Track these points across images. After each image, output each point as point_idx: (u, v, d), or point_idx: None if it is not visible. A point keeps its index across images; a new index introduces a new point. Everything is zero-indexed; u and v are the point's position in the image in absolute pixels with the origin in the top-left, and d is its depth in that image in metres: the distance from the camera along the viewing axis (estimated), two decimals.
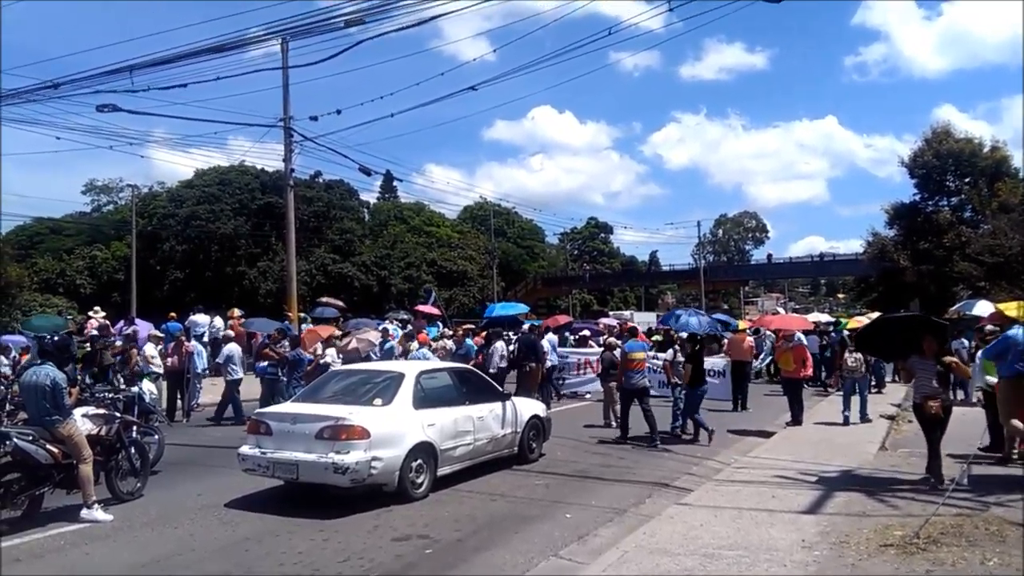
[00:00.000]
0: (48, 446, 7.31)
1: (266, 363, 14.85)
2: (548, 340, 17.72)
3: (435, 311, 26.71)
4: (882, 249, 43.17)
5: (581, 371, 17.17)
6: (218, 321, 21.14)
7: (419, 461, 8.39)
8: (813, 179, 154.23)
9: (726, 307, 72.06)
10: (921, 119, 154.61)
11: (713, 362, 16.56)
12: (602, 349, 16.29)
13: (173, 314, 18.11)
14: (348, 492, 7.94)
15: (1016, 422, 8.25)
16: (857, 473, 9.23)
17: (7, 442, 7.09)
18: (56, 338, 8.68)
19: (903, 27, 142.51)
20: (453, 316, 44.33)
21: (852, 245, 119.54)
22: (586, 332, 20.11)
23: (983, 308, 10.86)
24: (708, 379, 15.44)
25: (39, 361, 7.84)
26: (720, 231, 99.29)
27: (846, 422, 13.37)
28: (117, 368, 13.57)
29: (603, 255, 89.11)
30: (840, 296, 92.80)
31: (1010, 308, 9.60)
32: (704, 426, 12.41)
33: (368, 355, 14.96)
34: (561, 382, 17.96)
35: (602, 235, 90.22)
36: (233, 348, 15.25)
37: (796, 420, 13.56)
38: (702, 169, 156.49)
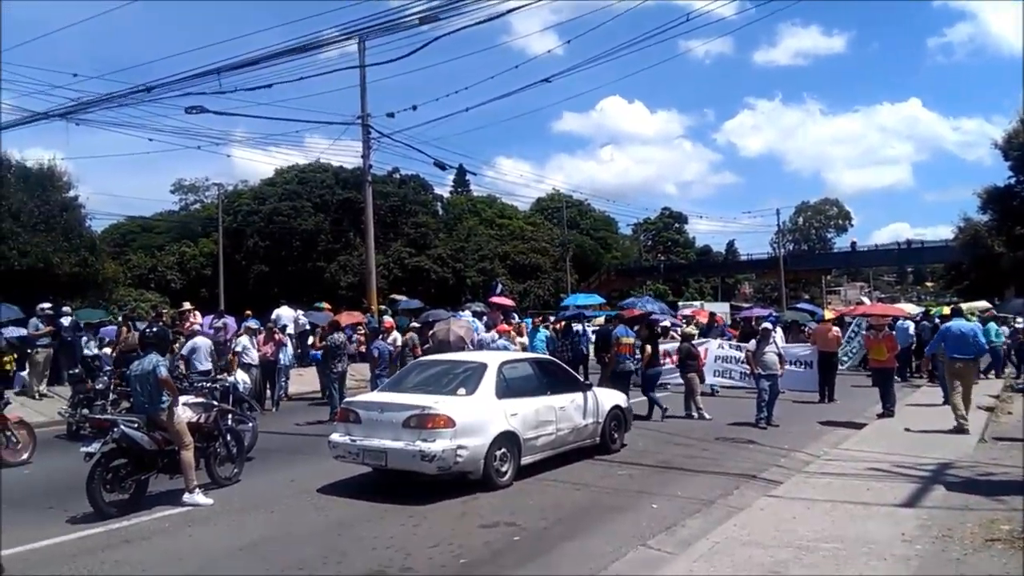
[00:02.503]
0: (152, 433, 7.68)
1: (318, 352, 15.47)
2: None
3: (508, 302, 26.86)
4: (975, 235, 41.14)
5: (661, 363, 16.93)
6: (302, 315, 21.72)
7: (503, 450, 8.47)
8: (897, 164, 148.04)
9: (807, 297, 70.09)
10: (1011, 100, 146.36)
11: (800, 352, 16.13)
12: (680, 340, 16.10)
13: (249, 311, 18.73)
14: (435, 479, 8.08)
15: None
16: (956, 466, 8.84)
17: (115, 429, 7.48)
18: (156, 328, 9.13)
19: (989, 5, 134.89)
20: (528, 308, 44.52)
21: (940, 232, 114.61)
22: (666, 323, 19.84)
23: None
24: (792, 367, 15.17)
25: (143, 352, 8.22)
26: (800, 219, 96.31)
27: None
28: (216, 360, 14.13)
29: (677, 245, 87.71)
30: (928, 285, 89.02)
31: None
32: (658, 404, 13.27)
33: (460, 347, 15.15)
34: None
35: (676, 225, 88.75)
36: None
37: (888, 411, 13.07)
38: (778, 156, 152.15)
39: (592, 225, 78.17)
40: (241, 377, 11.64)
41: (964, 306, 23.33)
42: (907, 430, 11.62)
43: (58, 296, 24.56)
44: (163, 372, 7.77)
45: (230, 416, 9.34)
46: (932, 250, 59.81)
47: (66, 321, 16.14)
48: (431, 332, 16.18)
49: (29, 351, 15.25)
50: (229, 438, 8.89)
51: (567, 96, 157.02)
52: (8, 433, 10.11)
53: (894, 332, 15.78)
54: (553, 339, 18.91)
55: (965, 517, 6.52)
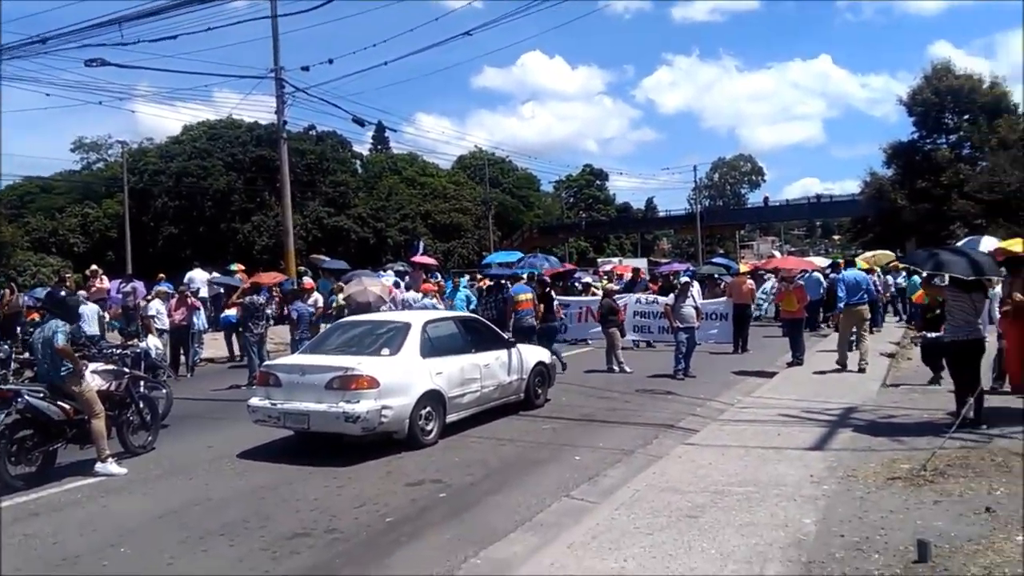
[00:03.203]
0: (59, 402, 7.34)
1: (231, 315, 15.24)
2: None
3: (431, 260, 26.68)
4: (879, 189, 43.06)
5: (583, 319, 17.21)
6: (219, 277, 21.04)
7: (428, 409, 8.47)
8: (808, 120, 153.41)
9: (722, 251, 72.14)
10: (916, 57, 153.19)
11: (715, 306, 16.63)
12: (601, 296, 16.37)
13: (162, 275, 18.05)
14: (359, 440, 8.04)
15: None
16: (861, 410, 9.34)
17: (19, 399, 7.12)
18: (58, 293, 8.67)
19: None
20: (452, 268, 44.37)
21: (848, 186, 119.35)
22: (588, 280, 20.13)
23: (988, 244, 10.87)
24: (711, 321, 15.70)
25: (43, 319, 7.82)
26: (716, 175, 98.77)
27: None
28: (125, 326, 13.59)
29: (599, 202, 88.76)
30: (836, 238, 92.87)
31: (1014, 244, 9.60)
32: (559, 356, 13.40)
33: (378, 307, 14.95)
34: (564, 330, 18.00)
35: (597, 182, 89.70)
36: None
37: (797, 360, 13.67)
38: (696, 113, 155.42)
39: (514, 183, 78.16)
40: (153, 342, 11.24)
41: (870, 255, 24.55)
42: (817, 373, 12.20)
43: None
44: (60, 340, 7.37)
45: (142, 383, 9.02)
46: (840, 204, 62.27)
47: None
48: (347, 295, 15.90)
49: None
50: (142, 405, 8.58)
51: (488, 51, 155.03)
52: None
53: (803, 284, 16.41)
54: (472, 298, 18.93)
55: (868, 458, 6.90)
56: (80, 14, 52.97)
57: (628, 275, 25.03)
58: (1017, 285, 9.46)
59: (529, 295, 13.90)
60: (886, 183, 43.01)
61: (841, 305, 13.04)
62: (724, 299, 17.15)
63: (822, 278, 19.73)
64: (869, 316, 13.80)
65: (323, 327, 12.46)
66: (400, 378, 8.30)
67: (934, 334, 11.07)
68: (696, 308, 13.67)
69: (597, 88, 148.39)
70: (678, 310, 13.35)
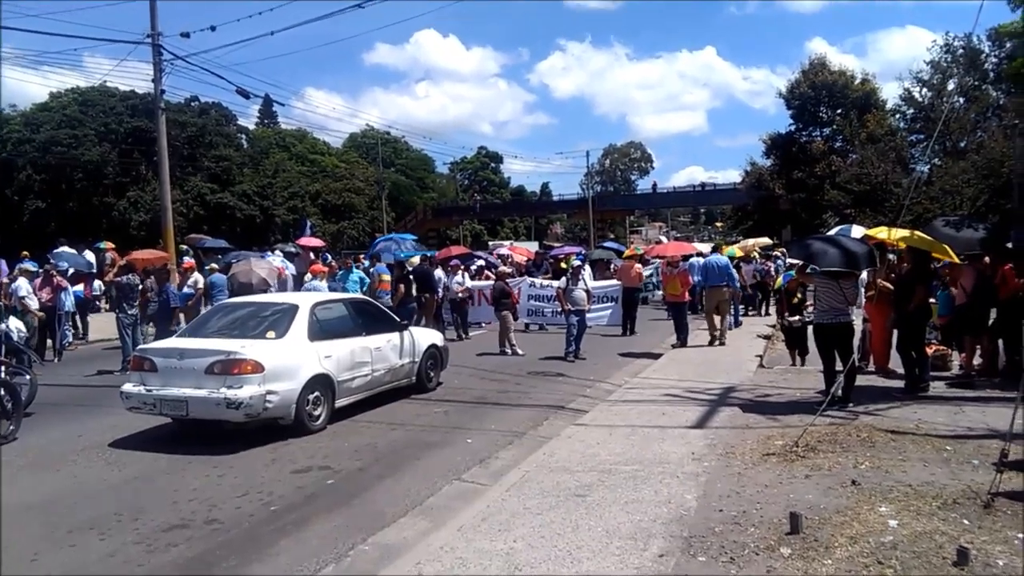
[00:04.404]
0: None
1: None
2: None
3: (318, 242, 26.01)
4: (759, 178, 45.13)
5: (476, 303, 17.22)
6: (88, 255, 19.75)
7: (316, 393, 8.26)
8: (694, 110, 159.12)
9: (612, 236, 73.94)
10: (795, 52, 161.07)
11: (606, 288, 16.99)
12: (494, 280, 16.43)
13: (26, 252, 16.80)
14: (242, 427, 7.75)
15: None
16: (739, 389, 9.79)
17: None
18: None
19: None
20: (343, 249, 43.43)
21: (730, 175, 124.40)
22: (482, 263, 20.15)
23: (857, 232, 11.64)
24: (600, 303, 16.06)
25: None
26: (607, 161, 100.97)
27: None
28: None
29: (493, 185, 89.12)
30: (719, 224, 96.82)
31: (879, 232, 10.29)
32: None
33: (263, 289, 14.44)
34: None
35: (492, 165, 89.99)
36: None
37: (682, 341, 14.18)
38: (588, 99, 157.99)
39: (408, 163, 77.28)
40: (15, 325, 10.44)
41: (750, 242, 25.72)
42: (699, 354, 12.69)
43: None
44: None
45: (3, 368, 8.37)
46: (723, 192, 64.88)
47: None
48: (230, 274, 15.31)
49: None
50: (3, 392, 7.98)
51: (380, 25, 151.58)
52: None
53: (687, 268, 17.04)
54: (367, 280, 18.58)
55: (746, 435, 7.24)
56: None
57: (523, 257, 25.26)
58: (880, 271, 10.16)
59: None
60: (765, 173, 45.12)
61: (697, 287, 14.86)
62: (615, 282, 17.56)
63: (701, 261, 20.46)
64: (728, 297, 15.00)
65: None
66: (286, 362, 8.05)
67: (797, 318, 11.81)
68: (587, 291, 13.95)
69: (492, 70, 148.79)
70: (570, 293, 13.56)
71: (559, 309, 14.48)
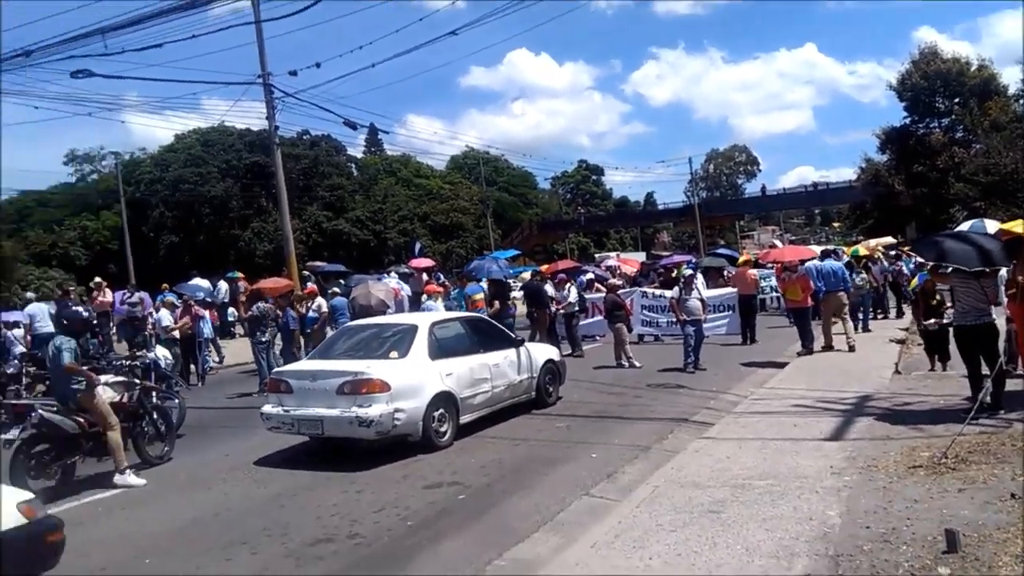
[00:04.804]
0: (74, 416, 7.32)
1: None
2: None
3: (428, 262, 26.67)
4: (875, 174, 42.95)
5: (590, 315, 17.18)
6: (222, 285, 21.05)
7: (441, 410, 8.45)
8: (799, 109, 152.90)
9: (722, 242, 72.08)
10: (902, 44, 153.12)
11: (722, 296, 16.59)
12: (605, 292, 16.34)
13: (166, 285, 18.02)
14: (374, 444, 8.02)
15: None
16: (875, 398, 9.31)
17: (33, 414, 7.11)
18: (70, 311, 8.67)
19: None
20: (453, 268, 44.32)
21: (843, 173, 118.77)
22: (591, 276, 20.09)
23: (992, 227, 10.82)
24: (717, 312, 15.70)
25: (57, 332, 7.82)
26: (711, 166, 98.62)
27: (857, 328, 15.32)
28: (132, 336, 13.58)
29: (596, 197, 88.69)
30: (836, 225, 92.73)
31: (1015, 225, 9.53)
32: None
33: (382, 311, 14.94)
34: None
35: (593, 177, 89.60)
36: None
37: (807, 349, 13.64)
38: (686, 104, 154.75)
39: (510, 181, 78.06)
40: (162, 353, 11.20)
41: (873, 242, 24.52)
42: (827, 362, 12.16)
43: None
44: (65, 359, 7.37)
45: (154, 394, 9.00)
46: (837, 191, 62.10)
47: None
48: (351, 297, 15.89)
49: None
50: (156, 416, 8.58)
51: (473, 50, 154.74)
52: None
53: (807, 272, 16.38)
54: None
55: (888, 447, 6.87)
56: (64, 25, 52.83)
57: (633, 269, 25.04)
58: (1020, 267, 9.43)
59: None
60: (881, 168, 42.93)
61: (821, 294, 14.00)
62: (730, 290, 17.12)
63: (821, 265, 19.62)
64: (847, 301, 14.41)
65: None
66: (411, 380, 8.28)
67: (933, 321, 11.08)
68: (702, 300, 13.66)
69: (585, 83, 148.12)
70: (684, 303, 13.32)
71: (674, 319, 14.25)
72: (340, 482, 7.27)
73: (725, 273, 21.05)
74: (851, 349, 13.40)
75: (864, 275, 17.72)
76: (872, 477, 6.02)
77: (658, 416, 9.49)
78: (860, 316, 17.27)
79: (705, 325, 13.73)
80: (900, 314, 19.34)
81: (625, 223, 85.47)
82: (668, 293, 15.40)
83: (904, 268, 20.02)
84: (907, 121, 43.21)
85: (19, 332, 14.49)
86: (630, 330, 15.10)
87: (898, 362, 12.20)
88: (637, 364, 13.68)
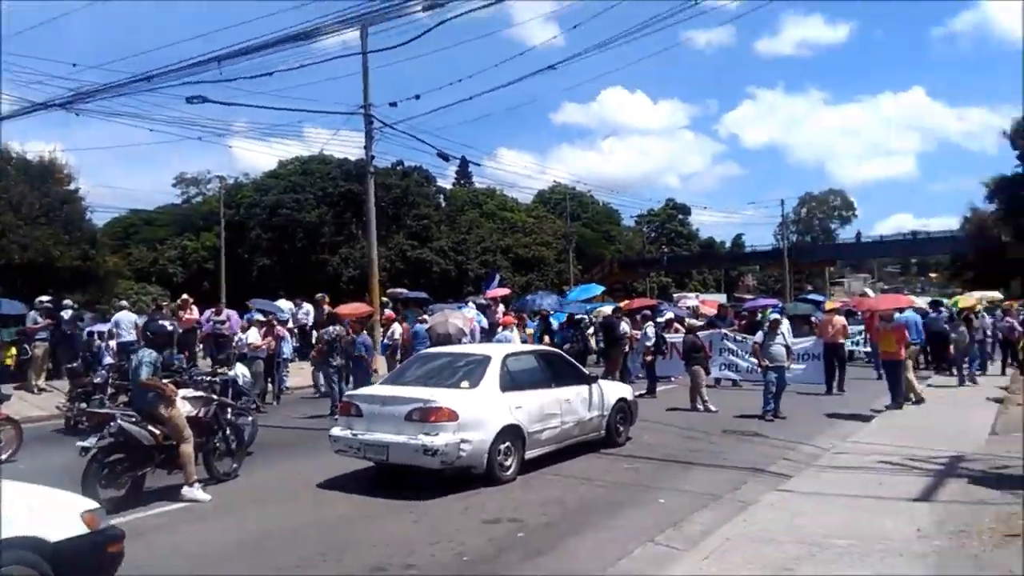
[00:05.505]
0: (150, 427, 7.52)
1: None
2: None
3: (504, 291, 26.72)
4: (981, 225, 40.96)
5: (668, 355, 16.76)
6: (307, 307, 21.62)
7: (507, 444, 8.31)
8: (901, 155, 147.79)
9: (810, 288, 69.74)
10: (1016, 90, 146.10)
11: (805, 344, 15.94)
12: (684, 332, 15.94)
13: (251, 304, 18.58)
14: (437, 474, 7.93)
15: None
16: (969, 459, 8.66)
17: (112, 423, 7.34)
18: (156, 324, 8.98)
19: None
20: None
21: (943, 222, 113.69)
22: (671, 315, 19.64)
23: None
24: (800, 361, 15.10)
25: (142, 344, 8.09)
26: (804, 210, 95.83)
27: (961, 383, 15.91)
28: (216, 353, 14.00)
29: (681, 237, 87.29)
30: (933, 276, 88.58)
31: None
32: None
33: (459, 339, 15.00)
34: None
35: (680, 216, 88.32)
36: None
37: (897, 404, 12.89)
38: (781, 147, 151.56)
39: (594, 217, 77.85)
40: (241, 371, 11.48)
41: (977, 295, 23.30)
42: (919, 419, 11.45)
43: (60, 290, 24.38)
44: (143, 374, 7.56)
45: (230, 410, 9.18)
46: (937, 241, 59.41)
47: (66, 314, 16.00)
48: (428, 326, 16.03)
49: (27, 345, 15.13)
50: (228, 432, 8.72)
51: (569, 85, 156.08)
52: None
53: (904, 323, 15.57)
54: (561, 331, 18.84)
55: (982, 512, 6.35)
56: (182, 53, 56.14)
57: (713, 310, 24.44)
58: None
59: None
60: (988, 219, 40.87)
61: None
62: (814, 338, 16.44)
63: (919, 317, 18.73)
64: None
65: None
66: (479, 412, 8.19)
67: None
68: (787, 347, 13.11)
69: (679, 123, 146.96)
70: (767, 348, 12.83)
71: (755, 365, 13.73)
72: (400, 511, 7.20)
73: (812, 319, 20.28)
74: (917, 402, 13.33)
75: (963, 328, 16.76)
76: (963, 543, 5.56)
77: (732, 464, 9.08)
78: (955, 371, 16.45)
79: (787, 373, 13.15)
80: (1003, 372, 18.18)
81: (709, 264, 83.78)
82: (752, 338, 14.89)
83: (1016, 324, 18.86)
84: (1019, 170, 41.06)
85: (112, 343, 15.17)
86: (707, 373, 14.63)
87: (995, 422, 11.37)
88: (713, 408, 13.21)
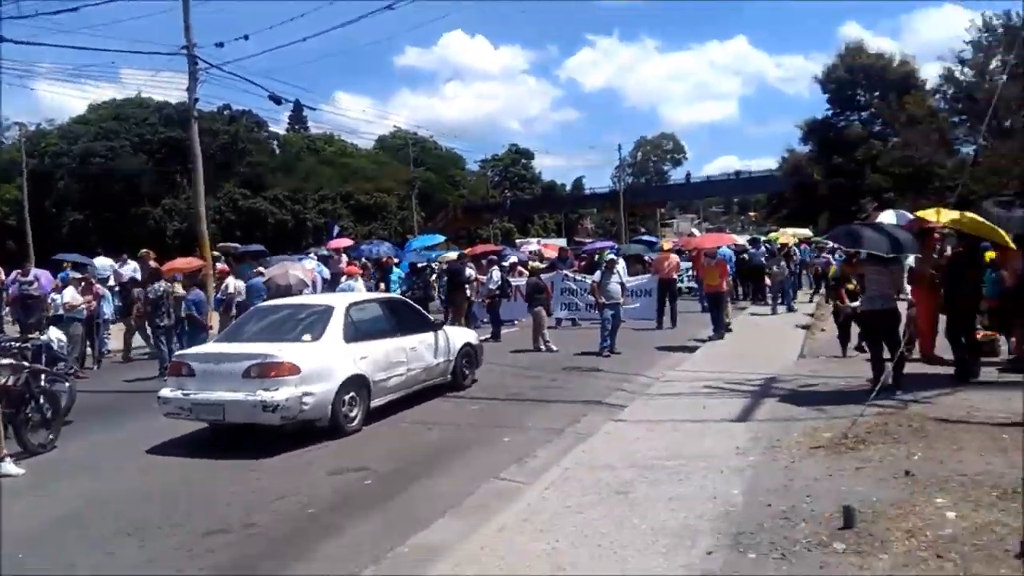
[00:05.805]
0: None
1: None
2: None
3: (347, 242, 26.09)
4: (796, 165, 44.49)
5: (512, 298, 17.09)
6: (132, 263, 19.98)
7: (352, 394, 8.20)
8: (726, 99, 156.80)
9: (643, 230, 73.26)
10: (829, 40, 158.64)
11: (639, 281, 16.77)
12: (528, 275, 16.31)
13: (67, 263, 17.00)
14: (278, 431, 7.70)
15: None
16: (781, 380, 9.54)
17: None
18: None
19: None
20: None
21: (765, 163, 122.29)
22: (515, 259, 20.02)
23: (906, 217, 11.29)
24: (635, 298, 15.87)
25: None
26: (639, 153, 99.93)
27: (774, 311, 17.36)
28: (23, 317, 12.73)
29: (524, 181, 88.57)
30: (752, 214, 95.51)
31: (930, 213, 9.91)
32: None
33: (300, 291, 14.47)
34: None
35: (523, 161, 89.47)
36: None
37: (719, 333, 13.91)
38: (618, 92, 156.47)
39: (438, 163, 77.21)
40: (55, 334, 10.52)
41: (791, 231, 25.39)
42: (736, 346, 12.43)
43: None
44: None
45: (43, 377, 8.43)
46: (759, 180, 63.77)
47: None
48: (266, 278, 15.36)
49: None
50: (43, 401, 8.01)
51: (409, 27, 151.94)
52: None
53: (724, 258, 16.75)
54: (406, 279, 18.71)
55: (791, 428, 7.02)
56: None
57: (554, 253, 25.10)
58: (927, 255, 9.81)
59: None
60: (803, 159, 44.44)
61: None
62: (648, 276, 17.33)
63: (732, 253, 20.26)
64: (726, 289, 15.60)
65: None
66: (322, 364, 8.01)
67: (853, 305, 11.44)
68: (621, 285, 13.75)
69: (520, 67, 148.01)
70: (604, 287, 13.39)
71: (593, 303, 14.31)
72: (239, 470, 6.96)
73: (645, 259, 21.34)
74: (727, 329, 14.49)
75: (784, 263, 18.38)
76: (775, 457, 6.13)
77: (572, 399, 9.50)
78: (780, 299, 17.95)
79: (622, 311, 13.82)
80: (811, 300, 20.03)
81: (551, 208, 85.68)
82: (590, 277, 15.47)
83: (832, 260, 20.78)
84: (829, 113, 44.76)
85: None
86: (549, 314, 15.10)
87: (803, 346, 12.56)
88: (554, 348, 13.67)
